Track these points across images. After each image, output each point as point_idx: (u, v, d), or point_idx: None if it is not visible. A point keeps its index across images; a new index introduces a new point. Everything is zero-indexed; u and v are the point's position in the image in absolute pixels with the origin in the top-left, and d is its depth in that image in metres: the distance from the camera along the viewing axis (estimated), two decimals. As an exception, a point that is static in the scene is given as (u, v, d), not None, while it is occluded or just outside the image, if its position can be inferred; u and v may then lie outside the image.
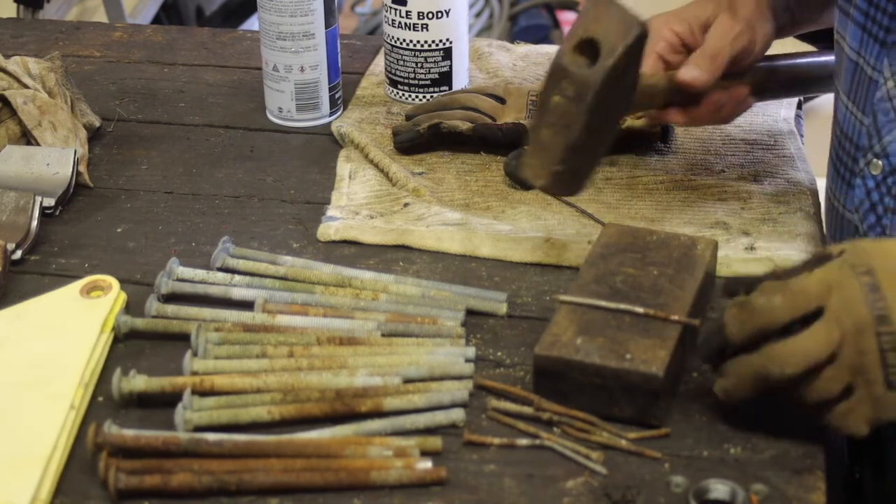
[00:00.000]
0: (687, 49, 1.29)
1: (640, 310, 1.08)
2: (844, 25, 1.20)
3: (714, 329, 1.02)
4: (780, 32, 1.34)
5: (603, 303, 1.10)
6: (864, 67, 1.16)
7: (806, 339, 0.97)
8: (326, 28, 1.48)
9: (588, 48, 1.15)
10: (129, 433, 1.01)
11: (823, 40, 1.44)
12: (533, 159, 1.20)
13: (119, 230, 1.33)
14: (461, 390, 1.08)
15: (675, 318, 1.07)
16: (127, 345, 1.16)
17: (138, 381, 1.08)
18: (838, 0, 1.22)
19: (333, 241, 1.30)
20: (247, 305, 1.19)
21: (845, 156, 1.21)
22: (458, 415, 1.06)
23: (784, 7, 1.34)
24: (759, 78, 1.33)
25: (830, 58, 1.35)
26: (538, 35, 3.70)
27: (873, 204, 1.16)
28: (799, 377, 0.97)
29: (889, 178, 1.15)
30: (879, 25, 1.15)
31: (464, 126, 1.42)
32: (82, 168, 1.39)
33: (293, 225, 1.34)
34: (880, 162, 1.15)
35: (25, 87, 1.45)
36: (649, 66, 1.27)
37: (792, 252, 1.27)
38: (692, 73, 1.25)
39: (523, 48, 1.71)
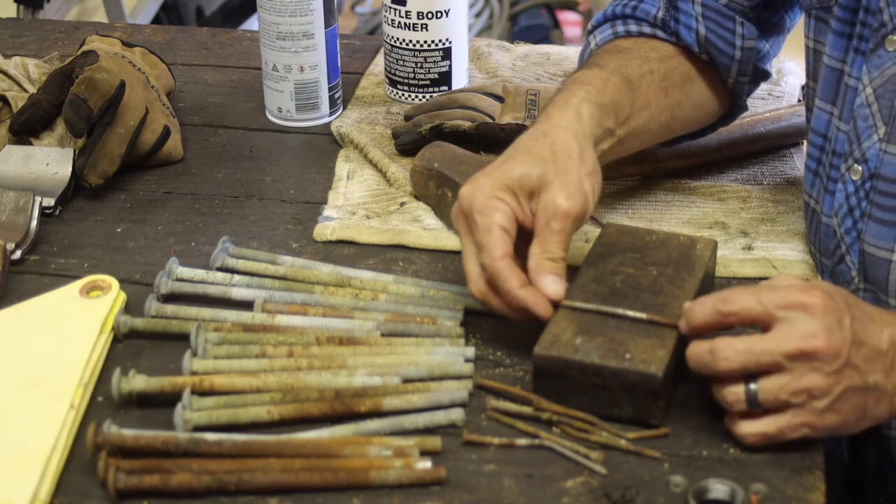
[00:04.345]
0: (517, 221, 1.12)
1: (632, 314, 1.08)
2: (823, 34, 1.21)
3: None
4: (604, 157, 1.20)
5: (594, 306, 1.09)
6: (846, 76, 1.18)
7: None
8: (326, 28, 1.48)
9: None
10: (129, 433, 1.01)
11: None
12: None
13: (119, 230, 1.33)
14: (460, 390, 1.08)
15: (665, 321, 1.07)
16: (126, 345, 1.16)
17: (138, 381, 1.08)
18: (812, 10, 1.22)
19: (332, 241, 1.30)
20: (246, 305, 1.19)
21: (826, 162, 1.21)
22: (457, 414, 1.06)
23: (608, 131, 1.21)
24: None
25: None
26: (538, 35, 3.71)
27: (851, 208, 1.17)
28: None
29: (867, 182, 1.15)
30: (860, 38, 1.16)
31: (466, 125, 1.42)
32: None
33: (292, 225, 1.34)
34: (860, 167, 1.16)
35: (25, 91, 1.45)
36: (499, 246, 1.09)
37: (789, 251, 1.27)
38: (552, 287, 1.09)
39: (523, 48, 1.71)
